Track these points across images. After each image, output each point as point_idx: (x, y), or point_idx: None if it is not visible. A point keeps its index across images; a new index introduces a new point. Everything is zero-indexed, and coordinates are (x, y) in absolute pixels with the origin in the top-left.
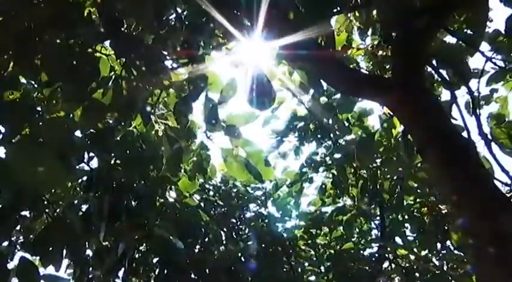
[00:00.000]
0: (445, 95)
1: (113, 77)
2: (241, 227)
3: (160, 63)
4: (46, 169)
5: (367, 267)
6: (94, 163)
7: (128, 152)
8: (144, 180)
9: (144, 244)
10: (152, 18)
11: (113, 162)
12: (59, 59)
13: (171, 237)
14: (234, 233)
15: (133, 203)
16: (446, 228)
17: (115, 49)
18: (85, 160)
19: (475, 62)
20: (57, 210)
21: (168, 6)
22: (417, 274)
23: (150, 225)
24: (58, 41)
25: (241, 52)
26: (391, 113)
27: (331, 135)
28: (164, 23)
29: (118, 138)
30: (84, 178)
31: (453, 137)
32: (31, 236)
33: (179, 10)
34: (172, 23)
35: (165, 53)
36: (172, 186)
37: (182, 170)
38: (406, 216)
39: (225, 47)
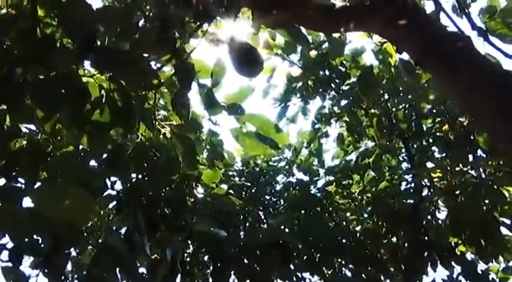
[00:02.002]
0: (429, 7)
1: (104, 94)
2: (275, 200)
3: (144, 64)
4: (73, 201)
5: (407, 200)
6: (118, 185)
7: (145, 164)
8: (170, 185)
9: (191, 245)
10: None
11: (134, 178)
12: (47, 92)
13: (211, 229)
14: (271, 209)
15: (166, 210)
16: (472, 137)
17: (95, 67)
18: (108, 186)
19: None
20: (99, 240)
21: (136, 11)
22: (458, 191)
23: (188, 225)
24: (41, 76)
25: (218, 30)
26: (381, 41)
27: (332, 84)
28: (135, 27)
29: (131, 154)
30: (114, 203)
31: (449, 39)
32: (83, 271)
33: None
34: (142, 24)
35: (146, 55)
36: (198, 182)
37: (201, 165)
38: (430, 140)
39: (200, 31)
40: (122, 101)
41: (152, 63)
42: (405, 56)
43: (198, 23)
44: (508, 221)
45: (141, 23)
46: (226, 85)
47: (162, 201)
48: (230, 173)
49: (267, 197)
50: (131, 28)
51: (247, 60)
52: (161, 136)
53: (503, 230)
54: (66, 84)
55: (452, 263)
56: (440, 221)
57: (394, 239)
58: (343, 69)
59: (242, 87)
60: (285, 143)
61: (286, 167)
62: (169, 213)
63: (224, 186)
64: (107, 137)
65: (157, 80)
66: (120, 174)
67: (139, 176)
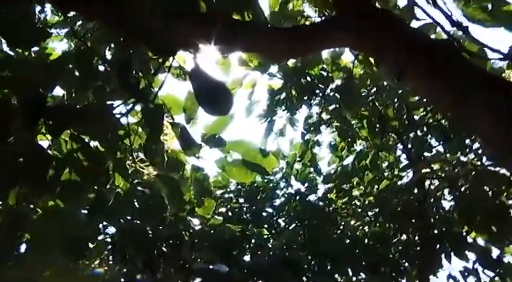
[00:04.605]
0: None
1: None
2: (277, 216)
3: (107, 117)
4: (54, 269)
5: (411, 196)
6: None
7: (137, 205)
8: (163, 222)
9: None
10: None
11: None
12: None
13: (211, 267)
14: (275, 226)
15: (163, 248)
16: None
17: (49, 132)
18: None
19: None
20: None
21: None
22: (461, 179)
23: (188, 263)
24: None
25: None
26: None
27: (316, 91)
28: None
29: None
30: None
31: (428, 49)
32: None
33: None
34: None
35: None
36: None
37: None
38: (425, 128)
39: (165, 66)
40: (87, 161)
41: (120, 108)
42: None
43: (161, 59)
44: None
45: (101, 68)
46: (202, 115)
47: (158, 240)
48: (226, 195)
49: (269, 211)
50: (91, 75)
51: (215, 98)
52: (145, 177)
53: None
54: (23, 153)
55: (466, 253)
56: (447, 212)
57: (404, 237)
58: (325, 74)
59: (219, 118)
60: (274, 166)
61: (283, 180)
62: (167, 251)
63: (222, 210)
64: (82, 193)
65: (123, 130)
66: (109, 219)
67: (130, 217)
